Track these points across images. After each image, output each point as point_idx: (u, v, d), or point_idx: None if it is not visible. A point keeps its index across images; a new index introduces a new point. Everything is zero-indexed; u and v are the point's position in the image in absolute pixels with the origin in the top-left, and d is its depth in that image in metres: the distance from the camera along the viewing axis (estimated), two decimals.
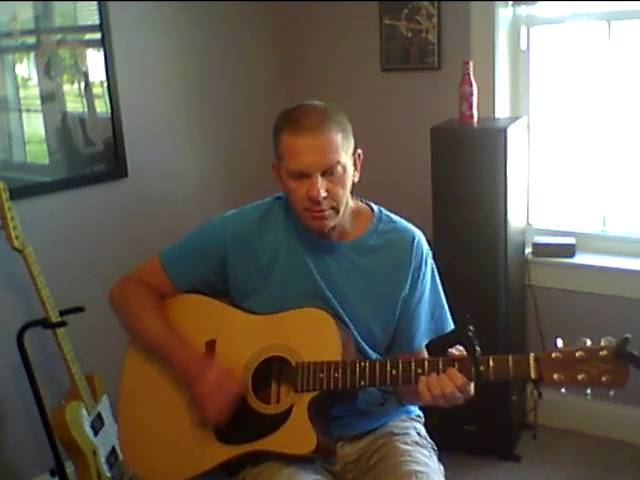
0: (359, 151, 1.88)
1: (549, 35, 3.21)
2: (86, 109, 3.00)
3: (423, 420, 2.06)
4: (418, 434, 1.97)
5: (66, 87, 2.93)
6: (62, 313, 2.61)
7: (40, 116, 2.86)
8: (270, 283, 1.92)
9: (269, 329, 1.87)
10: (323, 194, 1.76)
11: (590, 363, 1.59)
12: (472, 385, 1.70)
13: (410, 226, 1.97)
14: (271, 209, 1.97)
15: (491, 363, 1.65)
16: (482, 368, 1.64)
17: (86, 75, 2.97)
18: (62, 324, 2.59)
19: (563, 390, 1.63)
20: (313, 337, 1.83)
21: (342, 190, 1.80)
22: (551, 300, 3.25)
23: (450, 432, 2.82)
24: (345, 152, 1.80)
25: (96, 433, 2.65)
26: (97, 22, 2.94)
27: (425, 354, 1.95)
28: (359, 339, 1.89)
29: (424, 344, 1.96)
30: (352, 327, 1.88)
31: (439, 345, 1.91)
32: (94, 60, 2.97)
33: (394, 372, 1.72)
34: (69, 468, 2.70)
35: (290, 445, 1.76)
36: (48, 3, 2.79)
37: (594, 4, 3.07)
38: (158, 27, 3.22)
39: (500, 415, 3.08)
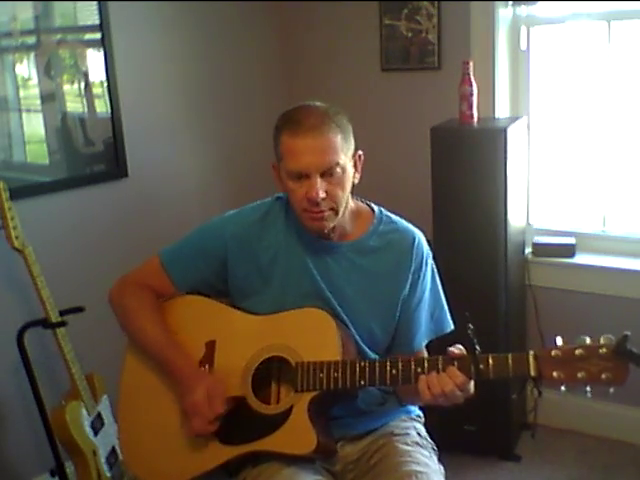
0: (359, 152, 1.88)
1: (549, 35, 3.21)
2: (86, 109, 3.00)
3: (423, 420, 2.06)
4: (418, 434, 1.97)
5: (66, 87, 2.93)
6: (62, 313, 2.61)
7: (40, 116, 2.86)
8: (270, 283, 1.92)
9: (269, 329, 1.87)
10: (322, 195, 1.76)
11: (590, 361, 1.59)
12: (472, 384, 1.70)
13: (410, 227, 1.97)
14: (271, 209, 1.97)
15: (491, 361, 1.65)
16: (482, 366, 1.64)
17: (86, 75, 2.97)
18: (62, 324, 2.59)
19: (563, 388, 1.63)
20: (313, 337, 1.82)
21: (341, 191, 1.80)
22: (551, 300, 3.25)
23: (450, 432, 2.83)
24: (345, 153, 1.80)
25: (96, 433, 2.65)
26: (97, 22, 2.94)
27: (425, 354, 1.95)
28: (359, 340, 1.89)
29: (424, 344, 1.96)
30: (352, 327, 1.88)
31: (439, 344, 1.91)
32: (94, 60, 2.98)
33: (394, 371, 1.72)
34: (69, 468, 2.70)
35: (290, 445, 1.76)
36: (48, 3, 2.79)
37: (594, 4, 3.07)
38: (158, 27, 3.22)
39: (500, 415, 3.08)
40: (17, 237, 2.50)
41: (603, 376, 1.58)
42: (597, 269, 3.15)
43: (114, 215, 3.11)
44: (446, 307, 1.99)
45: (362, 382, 1.74)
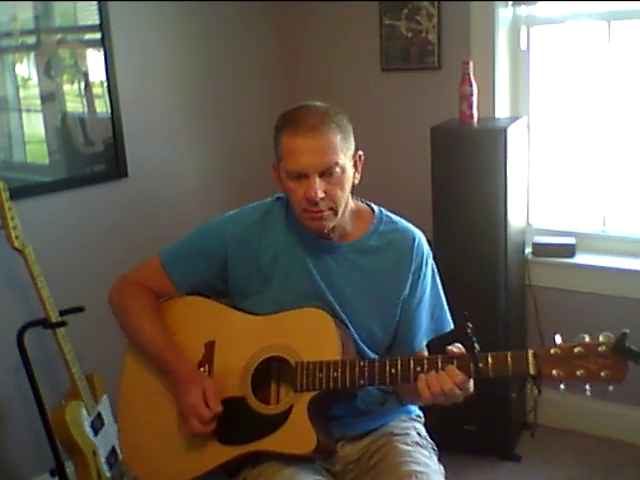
0: (360, 152, 1.88)
1: (549, 35, 3.22)
2: (86, 109, 3.00)
3: (423, 420, 2.06)
4: (418, 434, 1.97)
5: (66, 87, 2.93)
6: (62, 313, 2.61)
7: (40, 116, 2.86)
8: (270, 283, 1.91)
9: (268, 329, 1.87)
10: (321, 195, 1.76)
11: (589, 359, 1.59)
12: (471, 382, 1.70)
13: (411, 226, 1.97)
14: (271, 210, 1.97)
15: (490, 360, 1.65)
16: (481, 365, 1.64)
17: (86, 75, 2.97)
18: (62, 324, 2.59)
19: (562, 386, 1.63)
20: (312, 337, 1.82)
21: (340, 191, 1.80)
22: (551, 300, 3.25)
23: (450, 432, 2.83)
24: (344, 154, 1.80)
25: (96, 433, 2.65)
26: (97, 22, 2.94)
27: (426, 354, 1.95)
28: (359, 340, 1.89)
29: (424, 344, 1.96)
30: (352, 328, 1.88)
31: (438, 343, 1.91)
32: (94, 60, 2.98)
33: (393, 371, 1.72)
34: (69, 468, 2.70)
35: (290, 445, 1.76)
36: (48, 3, 2.79)
37: (594, 4, 3.07)
38: (158, 27, 3.22)
39: (500, 415, 3.08)
40: (17, 237, 2.51)
41: (602, 374, 1.58)
42: (597, 269, 3.15)
43: (114, 215, 3.11)
44: (446, 306, 1.99)
45: (361, 382, 1.74)
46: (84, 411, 2.62)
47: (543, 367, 1.62)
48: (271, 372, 1.86)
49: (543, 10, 3.18)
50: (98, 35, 2.95)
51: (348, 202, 1.87)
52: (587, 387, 1.62)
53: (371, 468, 1.87)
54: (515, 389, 3.09)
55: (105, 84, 3.00)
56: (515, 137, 2.95)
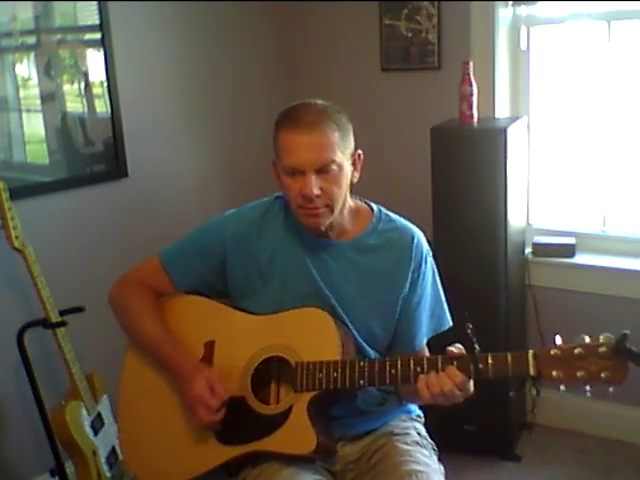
0: (359, 151, 1.88)
1: (549, 35, 3.22)
2: (86, 109, 3.00)
3: (423, 420, 2.05)
4: (418, 434, 1.97)
5: (66, 87, 2.93)
6: (62, 313, 2.61)
7: (40, 116, 2.86)
8: (269, 283, 1.92)
9: (268, 329, 1.87)
10: (316, 192, 1.76)
11: (589, 360, 1.59)
12: (471, 383, 1.70)
13: (410, 225, 1.97)
14: (271, 208, 1.97)
15: (490, 361, 1.65)
16: (481, 366, 1.64)
17: (86, 75, 2.97)
18: (62, 324, 2.59)
19: (562, 387, 1.62)
20: (312, 337, 1.82)
21: (337, 189, 1.80)
22: (551, 300, 3.25)
23: (450, 432, 2.82)
24: (342, 151, 1.80)
25: (96, 433, 2.65)
26: (97, 22, 2.94)
27: (426, 352, 1.96)
28: (359, 338, 1.89)
29: (425, 342, 1.96)
30: (352, 326, 1.88)
31: (438, 343, 1.91)
32: (94, 60, 2.98)
33: (393, 371, 1.72)
34: (69, 468, 2.70)
35: (290, 445, 1.76)
36: (48, 3, 2.79)
37: (594, 4, 3.07)
38: (158, 27, 3.22)
39: (500, 415, 3.08)
40: (17, 237, 2.50)
41: (602, 375, 1.58)
42: (597, 269, 3.15)
43: (114, 215, 3.11)
44: (445, 304, 1.99)
45: (362, 382, 1.74)
46: (84, 411, 2.61)
47: (543, 368, 1.62)
48: (271, 372, 1.85)
49: (543, 10, 3.18)
50: (98, 35, 2.95)
51: (346, 200, 1.87)
52: (587, 388, 1.61)
53: (371, 468, 1.87)
54: (513, 387, 3.09)
55: (105, 84, 3.00)
56: (515, 137, 2.95)
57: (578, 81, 3.20)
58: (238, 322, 1.91)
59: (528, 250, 3.30)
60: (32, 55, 2.81)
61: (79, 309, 2.67)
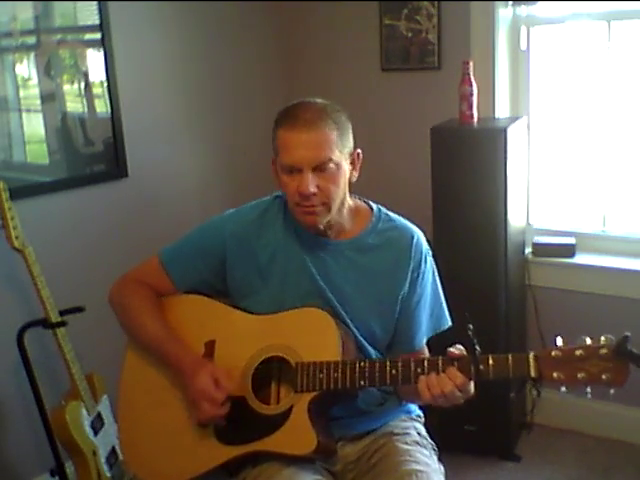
0: (358, 150, 1.88)
1: (549, 35, 3.21)
2: (86, 109, 3.00)
3: (423, 420, 2.05)
4: (418, 434, 1.97)
5: (66, 87, 2.93)
6: (62, 313, 2.61)
7: (40, 116, 2.86)
8: (269, 282, 1.92)
9: (268, 329, 1.87)
10: (312, 190, 1.76)
11: (590, 361, 1.59)
12: (472, 384, 1.70)
13: (409, 224, 1.97)
14: (270, 208, 1.97)
15: (491, 362, 1.65)
16: (482, 367, 1.64)
17: (86, 75, 2.97)
18: (62, 324, 2.59)
19: (563, 389, 1.62)
20: (313, 337, 1.82)
21: (334, 187, 1.80)
22: (551, 300, 3.25)
23: (450, 432, 2.82)
24: (340, 150, 1.80)
25: (96, 433, 2.65)
26: (97, 22, 2.94)
27: (426, 352, 1.96)
28: (359, 337, 1.89)
29: (424, 342, 1.96)
30: (352, 325, 1.88)
31: (439, 344, 1.90)
32: (94, 60, 2.97)
33: (394, 372, 1.72)
34: (69, 468, 2.70)
35: (290, 445, 1.76)
36: (48, 3, 2.79)
37: (594, 4, 3.07)
38: (158, 27, 3.22)
39: (500, 415, 3.08)
40: (17, 237, 2.50)
41: (603, 377, 1.58)
42: (597, 269, 3.15)
43: (114, 215, 3.11)
44: (445, 304, 1.99)
45: (362, 382, 1.74)
46: (84, 411, 2.61)
47: (544, 370, 1.62)
48: (271, 372, 1.85)
49: (543, 10, 3.18)
50: (98, 35, 2.95)
51: (345, 199, 1.87)
52: (588, 390, 1.61)
53: (371, 468, 1.87)
54: (514, 388, 3.09)
55: (105, 84, 3.00)
56: (515, 137, 2.95)
57: (578, 81, 3.20)
58: (238, 322, 1.91)
59: (528, 250, 3.30)
60: (32, 55, 2.81)
61: (79, 309, 2.67)
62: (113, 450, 2.72)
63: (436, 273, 1.98)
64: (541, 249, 3.26)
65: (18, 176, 2.79)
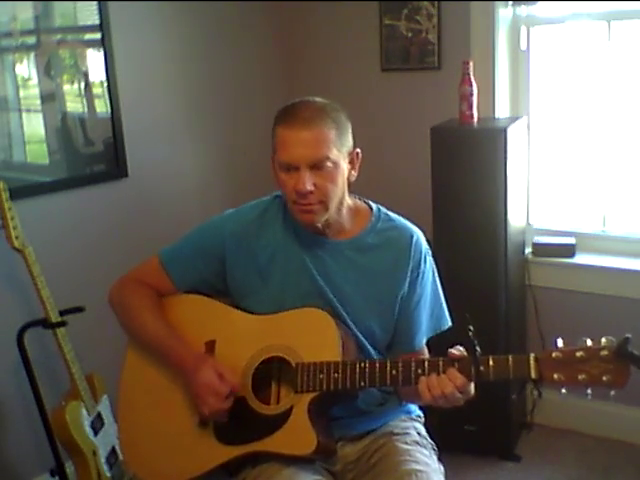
0: (357, 150, 1.88)
1: (549, 35, 3.22)
2: (86, 109, 3.00)
3: (423, 420, 2.05)
4: (418, 434, 1.97)
5: (66, 87, 2.93)
6: (62, 313, 2.61)
7: (40, 116, 2.86)
8: (269, 282, 1.92)
9: (269, 329, 1.87)
10: (309, 187, 1.76)
11: (591, 363, 1.59)
12: (472, 385, 1.70)
13: (409, 224, 1.97)
14: (270, 208, 1.97)
15: (491, 363, 1.64)
16: (482, 368, 1.64)
17: (86, 75, 2.97)
18: (62, 324, 2.59)
19: (563, 390, 1.62)
20: (313, 337, 1.82)
21: (331, 185, 1.80)
22: (551, 300, 3.25)
23: (450, 432, 2.82)
24: (338, 149, 1.80)
25: (96, 433, 2.65)
26: (97, 22, 2.94)
27: (426, 352, 1.96)
28: (359, 337, 1.89)
29: (424, 342, 1.96)
30: (352, 325, 1.88)
31: (439, 345, 1.90)
32: (94, 60, 2.97)
33: (394, 372, 1.72)
34: (69, 468, 2.70)
35: (290, 446, 1.76)
36: (48, 3, 2.79)
37: (594, 4, 3.07)
38: (158, 27, 3.22)
39: (500, 415, 3.08)
40: (17, 237, 2.50)
41: (604, 378, 1.58)
42: (597, 269, 3.15)
43: (114, 215, 3.11)
44: (444, 304, 1.99)
45: (362, 383, 1.74)
46: (84, 411, 2.62)
47: (545, 371, 1.61)
48: (271, 372, 1.85)
49: (543, 10, 3.18)
50: (98, 35, 2.95)
51: (344, 198, 1.87)
52: (589, 391, 1.61)
53: (371, 468, 1.87)
54: (515, 390, 3.09)
55: (105, 84, 3.00)
56: (515, 137, 2.95)
57: (578, 81, 3.20)
58: (238, 322, 1.91)
59: (528, 250, 3.30)
60: (32, 55, 2.80)
61: (79, 309, 2.67)
62: (113, 450, 2.72)
63: (436, 273, 1.98)
64: (541, 249, 3.26)
65: (18, 176, 2.79)
